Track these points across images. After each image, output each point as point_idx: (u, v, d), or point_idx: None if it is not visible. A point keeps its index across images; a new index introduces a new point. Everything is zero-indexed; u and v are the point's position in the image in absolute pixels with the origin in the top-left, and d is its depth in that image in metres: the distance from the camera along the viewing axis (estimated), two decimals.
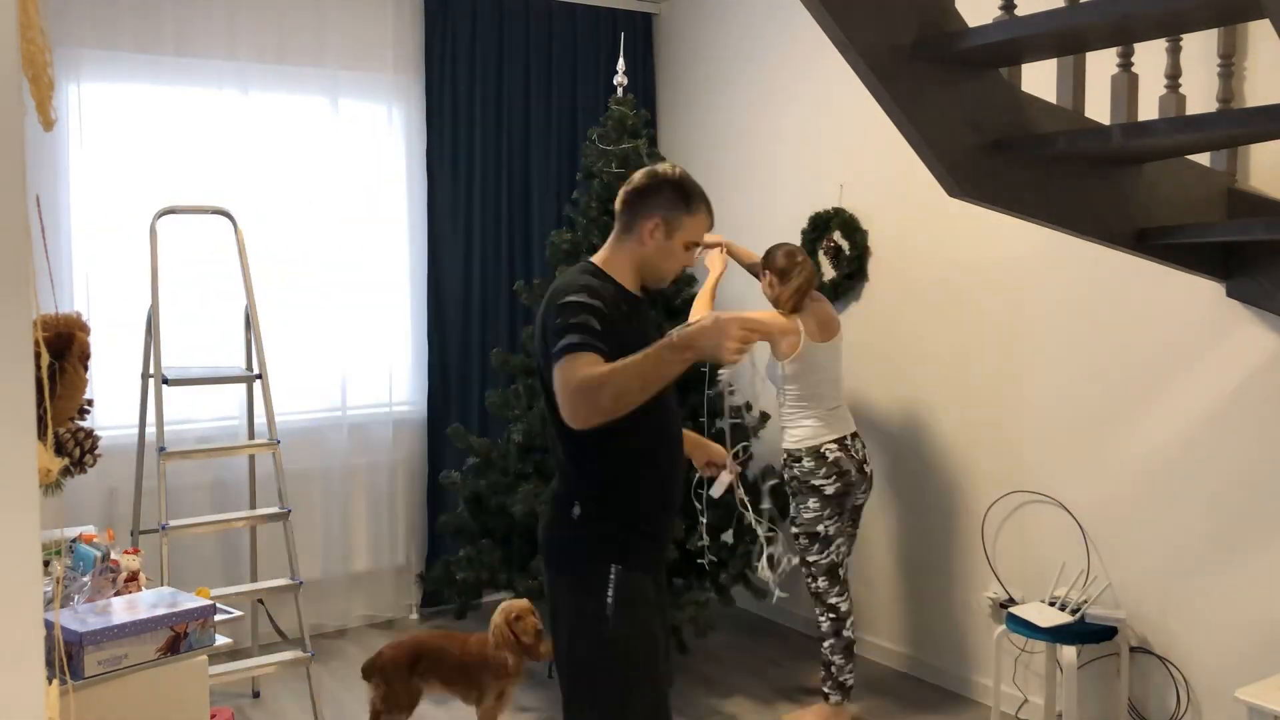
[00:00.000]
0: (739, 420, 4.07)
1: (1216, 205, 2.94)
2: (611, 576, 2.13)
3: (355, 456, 4.75)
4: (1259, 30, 3.01)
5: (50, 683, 1.48)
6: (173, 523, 3.59)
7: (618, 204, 2.37)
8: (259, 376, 3.82)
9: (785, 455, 3.70)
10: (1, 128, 1.02)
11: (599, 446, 2.18)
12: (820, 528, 3.63)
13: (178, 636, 2.15)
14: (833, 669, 3.67)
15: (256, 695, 4.01)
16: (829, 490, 3.60)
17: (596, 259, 2.36)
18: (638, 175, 2.35)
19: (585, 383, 2.05)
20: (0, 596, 1.04)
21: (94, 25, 4.10)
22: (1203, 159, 2.99)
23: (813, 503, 3.62)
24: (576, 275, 2.28)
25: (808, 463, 3.61)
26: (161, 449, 3.62)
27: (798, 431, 3.65)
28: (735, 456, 3.61)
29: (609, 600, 2.12)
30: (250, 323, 3.86)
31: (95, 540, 2.61)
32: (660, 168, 2.36)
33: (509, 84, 5.01)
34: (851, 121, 4.32)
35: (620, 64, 4.28)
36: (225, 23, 4.36)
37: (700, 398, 4.14)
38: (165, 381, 3.64)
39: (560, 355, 2.10)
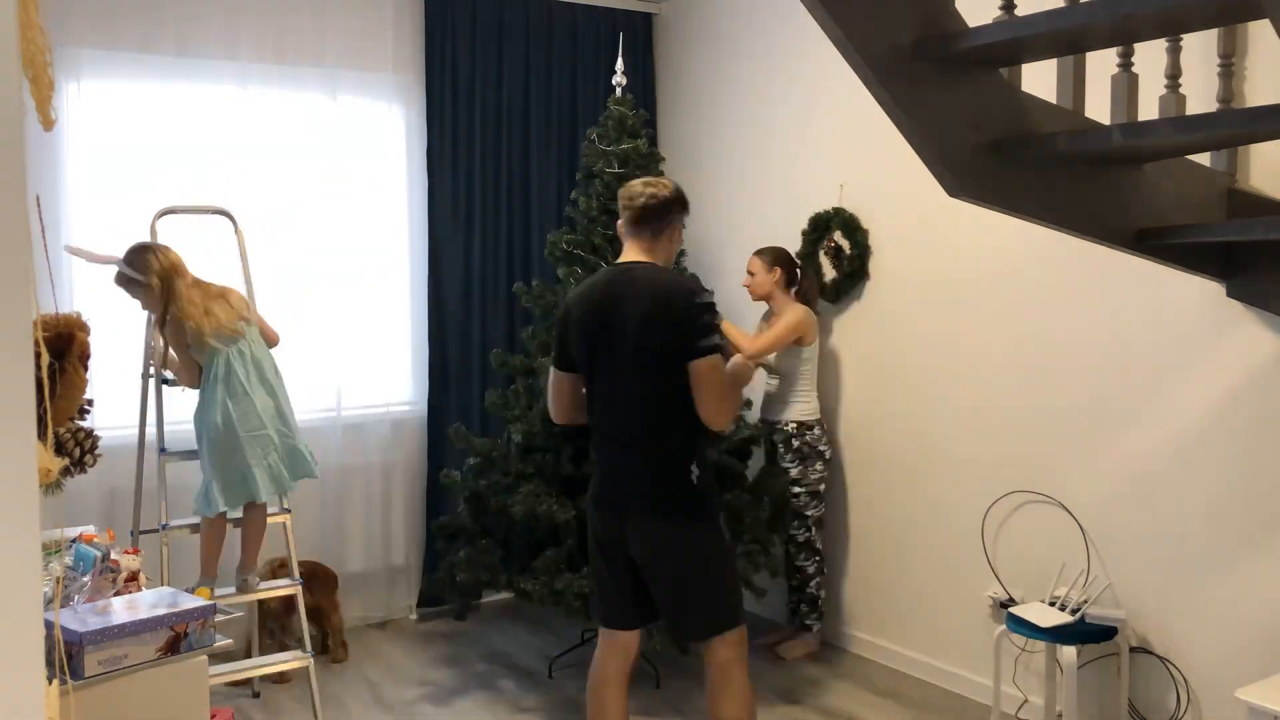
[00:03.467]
0: None
1: (1216, 205, 2.93)
2: (719, 517, 2.83)
3: (354, 457, 4.75)
4: (1259, 30, 3.01)
5: (50, 683, 1.48)
6: (173, 523, 3.59)
7: (640, 214, 2.83)
8: None
9: (796, 425, 4.30)
10: (1, 128, 1.02)
11: (698, 427, 2.76)
12: (821, 486, 4.34)
13: (178, 636, 2.15)
14: (819, 601, 4.38)
15: (256, 695, 4.01)
16: (829, 454, 4.36)
17: (653, 260, 2.85)
18: (664, 187, 2.86)
19: (733, 387, 2.78)
20: (0, 596, 1.04)
21: (94, 25, 4.10)
22: (1203, 159, 2.99)
23: (819, 465, 4.32)
24: (676, 276, 2.87)
25: (817, 430, 4.30)
26: (161, 449, 3.62)
27: (808, 405, 4.32)
28: None
29: (720, 532, 2.82)
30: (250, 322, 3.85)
31: (95, 540, 2.61)
32: (668, 180, 2.92)
33: (509, 84, 5.01)
34: (851, 121, 4.32)
35: (619, 64, 4.28)
36: (225, 22, 4.36)
37: None
38: (165, 382, 3.64)
39: (707, 353, 2.66)
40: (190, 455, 3.59)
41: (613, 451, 2.82)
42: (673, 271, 2.94)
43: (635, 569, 2.81)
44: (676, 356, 2.68)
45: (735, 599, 2.87)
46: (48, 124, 1.17)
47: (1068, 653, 3.25)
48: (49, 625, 1.81)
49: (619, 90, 4.24)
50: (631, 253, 2.86)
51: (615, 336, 2.76)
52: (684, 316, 2.68)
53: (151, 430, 3.69)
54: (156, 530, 3.57)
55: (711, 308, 2.73)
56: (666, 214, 2.85)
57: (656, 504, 2.75)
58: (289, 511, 3.77)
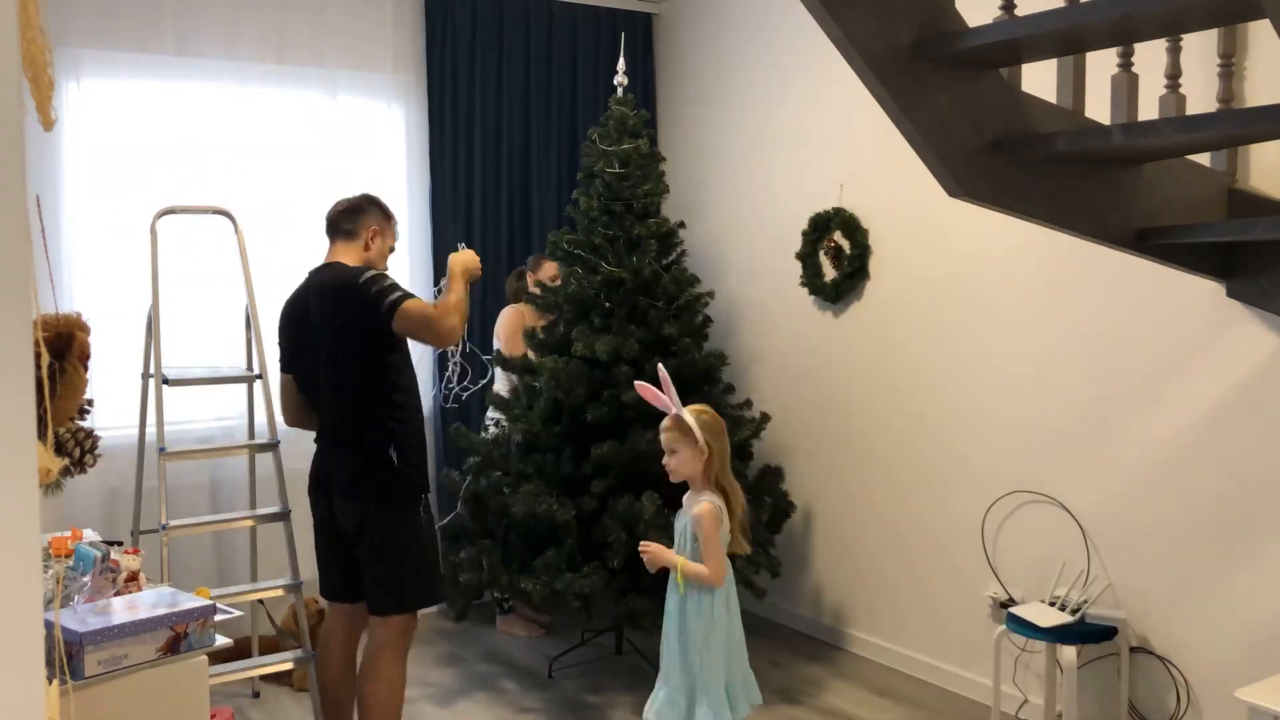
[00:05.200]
0: None
1: (1216, 205, 2.94)
2: (420, 500, 3.07)
3: None
4: (1259, 30, 3.01)
5: (50, 683, 1.48)
6: (173, 523, 3.58)
7: (331, 220, 3.18)
8: (259, 376, 3.81)
9: None
10: (1, 128, 1.02)
11: (399, 405, 3.03)
12: None
13: (178, 636, 2.15)
14: None
15: (256, 695, 4.01)
16: None
17: (344, 260, 3.12)
18: (355, 198, 3.21)
19: (440, 312, 2.96)
20: (0, 596, 1.04)
21: (94, 24, 4.10)
22: (1203, 159, 2.99)
23: None
24: (346, 268, 3.07)
25: None
26: (161, 449, 3.61)
27: None
28: None
29: (416, 516, 3.05)
30: (250, 323, 3.85)
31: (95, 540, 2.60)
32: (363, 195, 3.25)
33: (509, 84, 5.01)
34: (851, 121, 4.32)
35: (620, 64, 4.28)
36: (225, 22, 4.36)
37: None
38: (165, 381, 3.64)
39: (396, 306, 2.91)
40: (188, 455, 3.57)
41: (323, 441, 3.13)
42: (341, 264, 3.12)
43: (347, 547, 3.08)
44: (370, 333, 2.94)
45: (418, 585, 3.08)
46: (48, 124, 1.17)
47: (1068, 653, 3.25)
48: (49, 625, 1.81)
49: (620, 90, 4.24)
50: (326, 257, 3.16)
51: (310, 336, 3.09)
52: (358, 292, 2.93)
53: (151, 430, 3.68)
54: (156, 530, 3.56)
55: (380, 276, 2.98)
56: (356, 216, 3.14)
57: (356, 487, 3.02)
58: (289, 511, 3.77)
